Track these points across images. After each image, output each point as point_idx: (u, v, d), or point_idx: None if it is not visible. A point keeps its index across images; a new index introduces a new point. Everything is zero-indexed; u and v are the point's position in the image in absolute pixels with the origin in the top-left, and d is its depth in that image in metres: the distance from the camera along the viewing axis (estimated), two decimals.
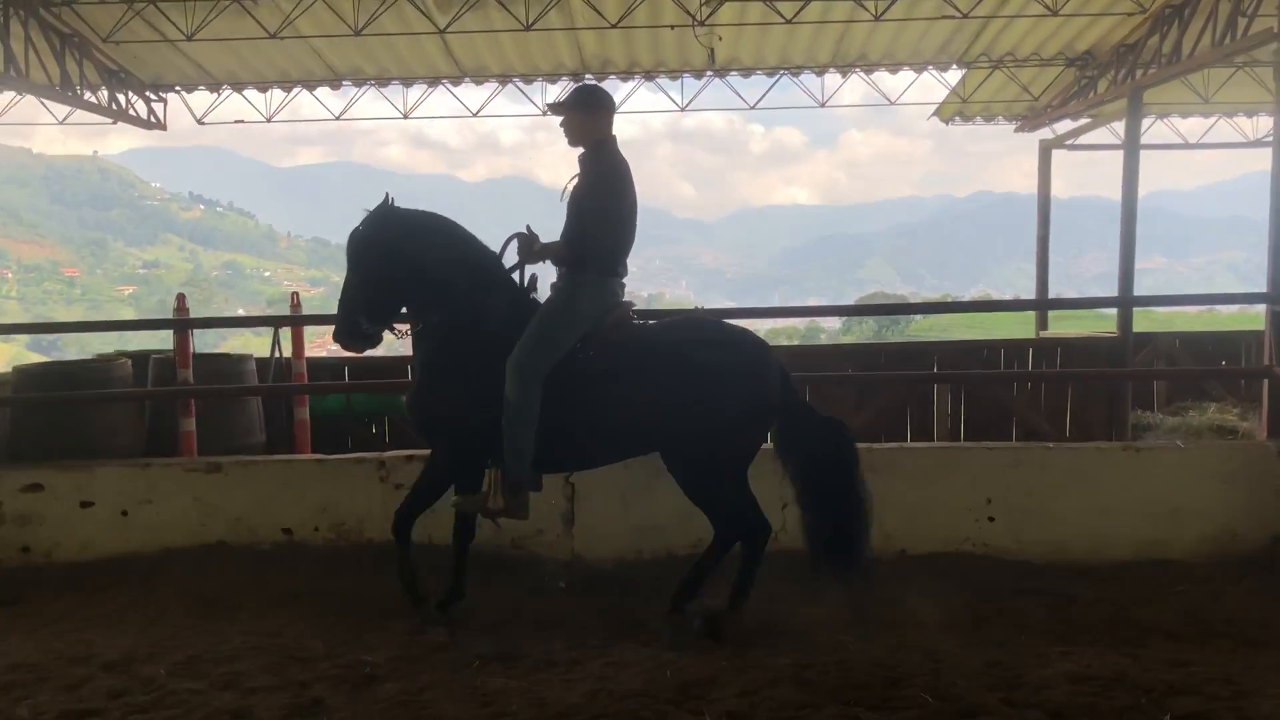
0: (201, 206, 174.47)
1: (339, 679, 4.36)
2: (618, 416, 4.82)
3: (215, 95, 9.02)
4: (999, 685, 4.15)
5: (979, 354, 8.81)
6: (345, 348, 5.07)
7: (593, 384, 4.79)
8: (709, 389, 4.73)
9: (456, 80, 9.31)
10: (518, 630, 5.03)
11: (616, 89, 9.38)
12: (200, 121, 9.23)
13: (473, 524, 5.23)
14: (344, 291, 4.95)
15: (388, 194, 4.99)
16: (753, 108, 9.94)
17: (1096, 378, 8.50)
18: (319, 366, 8.34)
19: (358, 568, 6.02)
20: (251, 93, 9.03)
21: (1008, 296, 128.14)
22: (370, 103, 10.31)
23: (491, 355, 4.77)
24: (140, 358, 7.38)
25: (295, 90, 8.95)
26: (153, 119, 8.84)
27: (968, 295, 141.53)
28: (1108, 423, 8.22)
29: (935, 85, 9.99)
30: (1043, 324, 10.88)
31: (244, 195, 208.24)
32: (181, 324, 6.91)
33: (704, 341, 4.90)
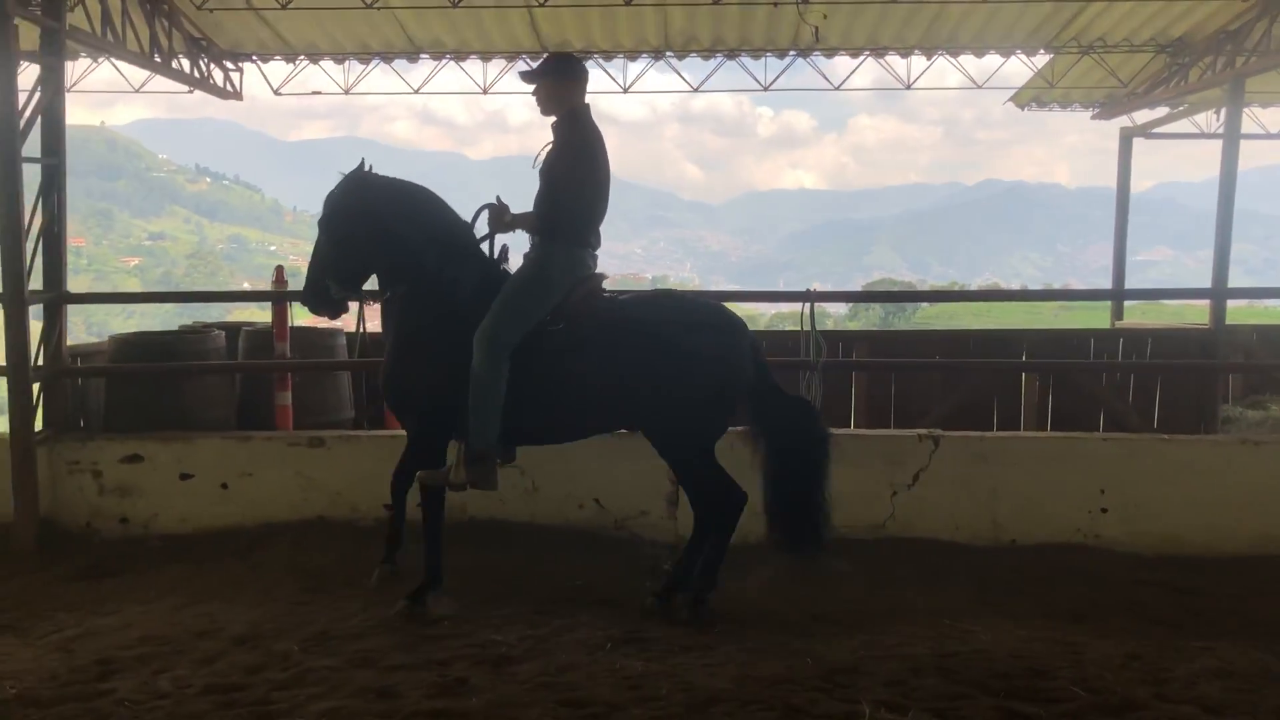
0: (208, 179, 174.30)
1: (475, 658, 4.30)
2: (587, 391, 4.75)
3: (292, 65, 8.89)
4: (1146, 679, 4.10)
5: (1068, 343, 8.73)
6: (313, 311, 4.99)
7: (562, 357, 4.72)
8: (679, 365, 4.67)
9: (462, 56, 9.13)
10: (636, 611, 4.96)
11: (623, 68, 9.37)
12: (277, 93, 9.09)
13: (442, 496, 5.02)
14: (314, 254, 4.88)
15: (363, 159, 4.90)
16: (765, 89, 9.61)
17: (1197, 370, 8.40)
18: None
19: (463, 545, 5.95)
20: (327, 63, 8.96)
21: (1015, 286, 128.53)
22: (380, 77, 10.22)
23: (460, 326, 4.70)
24: (230, 329, 7.29)
25: (373, 63, 8.81)
26: (229, 88, 8.70)
27: (974, 284, 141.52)
28: (1195, 415, 8.13)
29: (949, 70, 9.76)
30: (1118, 314, 10.79)
31: (250, 168, 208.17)
32: (280, 296, 6.82)
33: (675, 317, 4.81)
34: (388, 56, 8.83)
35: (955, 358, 8.43)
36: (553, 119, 4.84)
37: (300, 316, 6.48)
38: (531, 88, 4.86)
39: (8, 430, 6.08)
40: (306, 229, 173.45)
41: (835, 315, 59.82)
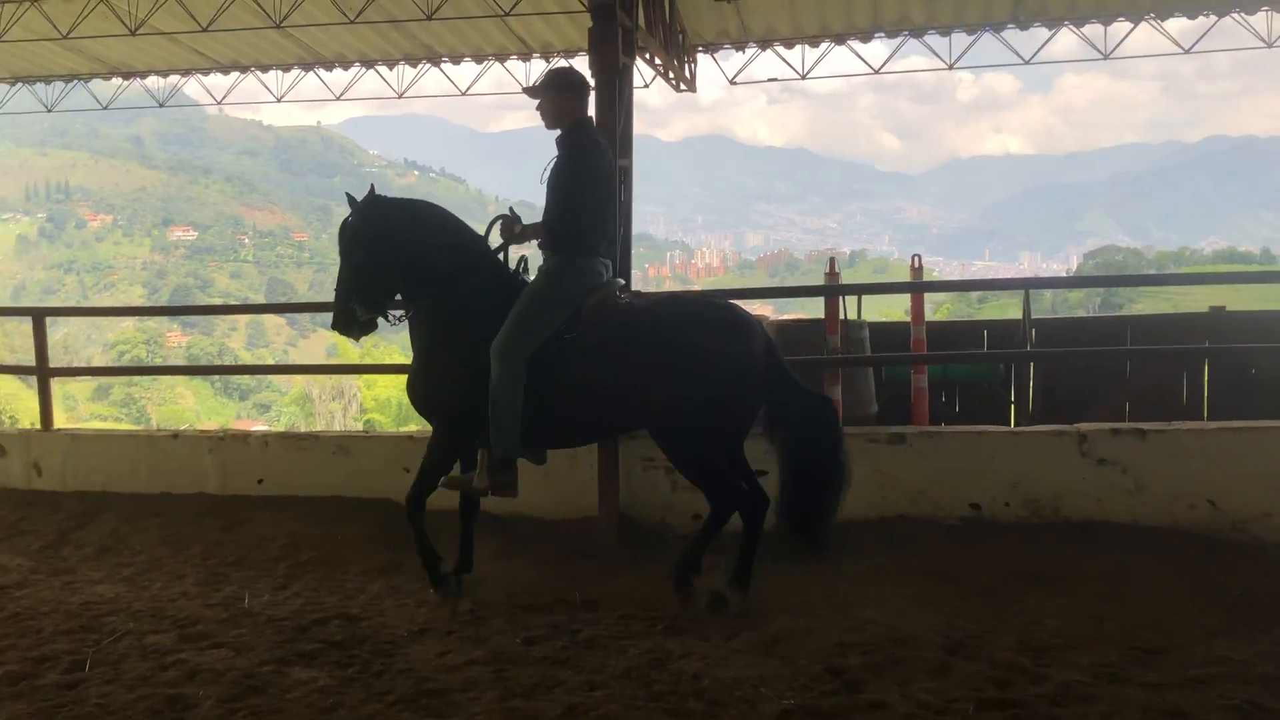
0: (415, 172, 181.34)
1: None
2: (604, 395, 4.86)
3: (743, 54, 8.79)
4: None
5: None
6: (343, 334, 5.12)
7: (578, 363, 4.84)
8: (689, 366, 4.74)
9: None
10: None
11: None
12: (733, 82, 9.04)
13: (476, 501, 5.31)
14: (338, 280, 5.06)
15: (372, 185, 5.13)
16: (950, 67, 8.91)
17: None
18: (893, 332, 8.00)
19: (1059, 547, 5.66)
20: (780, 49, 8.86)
21: (1246, 249, 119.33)
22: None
23: (477, 337, 4.85)
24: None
25: (826, 45, 8.60)
26: (687, 75, 8.64)
27: (1201, 248, 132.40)
28: None
29: (1154, 35, 8.61)
30: None
31: (454, 160, 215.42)
32: (832, 290, 6.68)
33: (687, 320, 4.89)
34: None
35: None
36: (557, 132, 5.00)
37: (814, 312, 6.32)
38: (535, 102, 5.04)
39: None
40: None
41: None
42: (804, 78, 8.94)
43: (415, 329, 5.17)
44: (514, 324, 4.84)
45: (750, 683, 4.09)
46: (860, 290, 7.91)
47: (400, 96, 9.52)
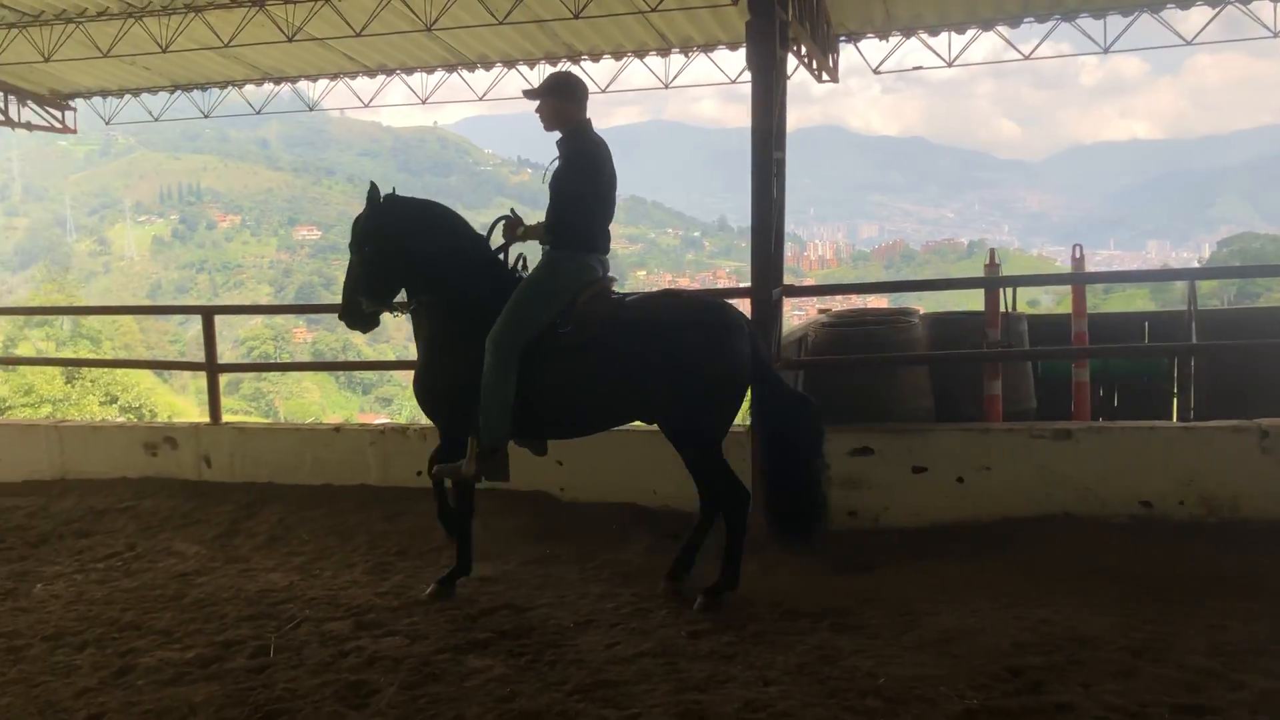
0: (529, 170, 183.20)
1: None
2: (595, 387, 5.01)
3: (885, 43, 8.66)
4: None
5: None
6: (350, 326, 5.34)
7: (571, 356, 4.98)
8: (676, 361, 4.88)
9: None
10: None
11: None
12: (876, 71, 8.90)
13: (471, 488, 5.40)
14: (346, 274, 5.29)
15: (373, 184, 5.27)
16: (1106, 50, 8.43)
17: None
18: (1050, 324, 7.77)
19: (1239, 547, 5.43)
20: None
21: None
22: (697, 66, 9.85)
23: (474, 331, 5.01)
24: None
25: (973, 32, 8.42)
26: (830, 65, 8.56)
27: None
28: None
29: None
30: None
31: None
32: (993, 282, 6.54)
33: (673, 316, 5.02)
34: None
35: None
36: (557, 135, 5.14)
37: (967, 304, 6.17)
38: (534, 106, 5.16)
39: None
40: (621, 213, 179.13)
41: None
42: (950, 65, 8.76)
43: (418, 325, 5.36)
44: (508, 316, 5.00)
45: (928, 681, 4.03)
46: (1019, 282, 7.69)
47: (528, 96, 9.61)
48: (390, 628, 4.89)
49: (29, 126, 10.83)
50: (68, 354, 45.02)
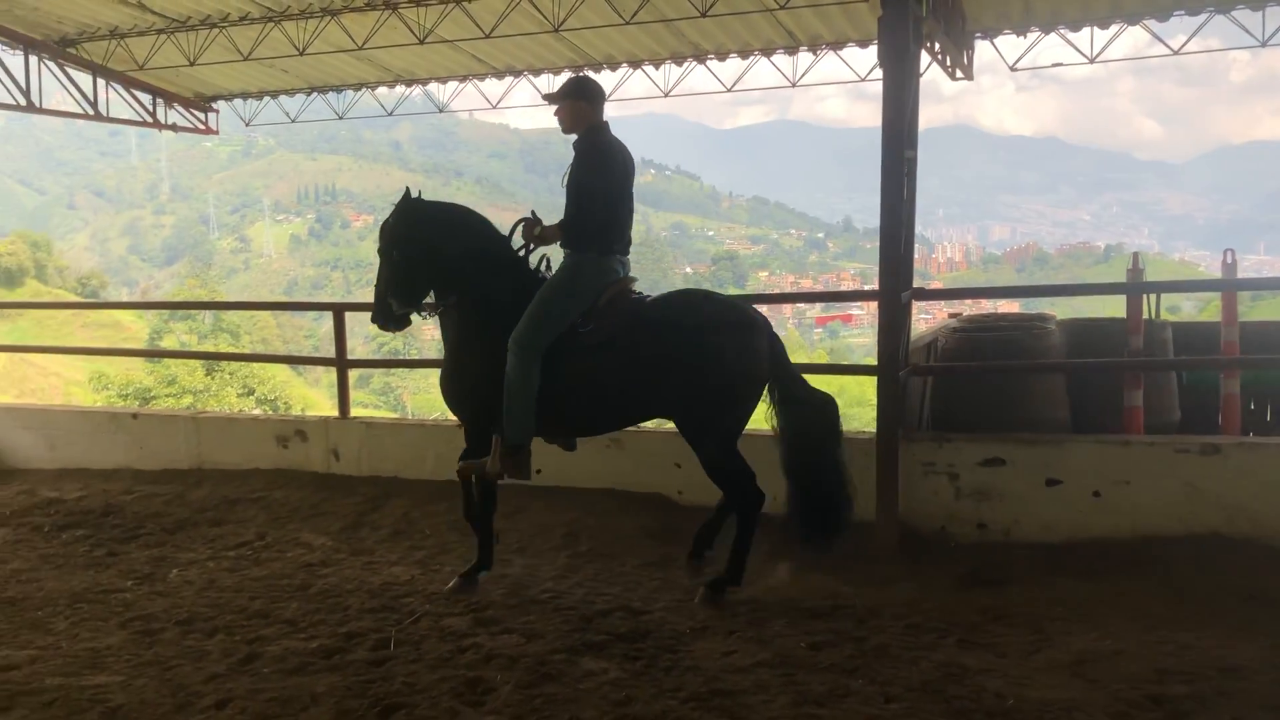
0: (652, 171, 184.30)
1: None
2: (616, 386, 5.09)
3: (1023, 39, 8.35)
4: None
5: None
6: (381, 328, 5.47)
7: (592, 355, 5.07)
8: (694, 360, 4.97)
9: None
10: None
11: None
12: (1013, 68, 8.59)
13: (494, 485, 5.49)
14: (377, 277, 5.40)
15: (408, 188, 5.41)
16: (1263, 44, 7.89)
17: None
18: (1197, 333, 7.37)
19: None
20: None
21: None
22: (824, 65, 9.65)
23: (498, 331, 5.11)
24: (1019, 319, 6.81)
25: (1117, 26, 8.05)
26: (964, 62, 8.31)
27: None
28: None
29: None
30: None
31: (690, 158, 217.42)
32: (1137, 287, 6.24)
33: (694, 313, 5.11)
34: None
35: None
36: (574, 137, 5.23)
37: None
38: (553, 109, 5.27)
39: (872, 429, 5.99)
40: (743, 213, 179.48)
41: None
42: (1091, 61, 8.40)
43: (445, 325, 5.47)
44: (531, 316, 5.09)
45: (1061, 705, 3.87)
46: (1165, 288, 7.32)
47: (666, 95, 9.62)
48: (507, 625, 4.90)
49: (174, 128, 11.30)
50: (209, 347, 46.99)
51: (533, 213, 5.39)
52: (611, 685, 4.19)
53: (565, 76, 9.91)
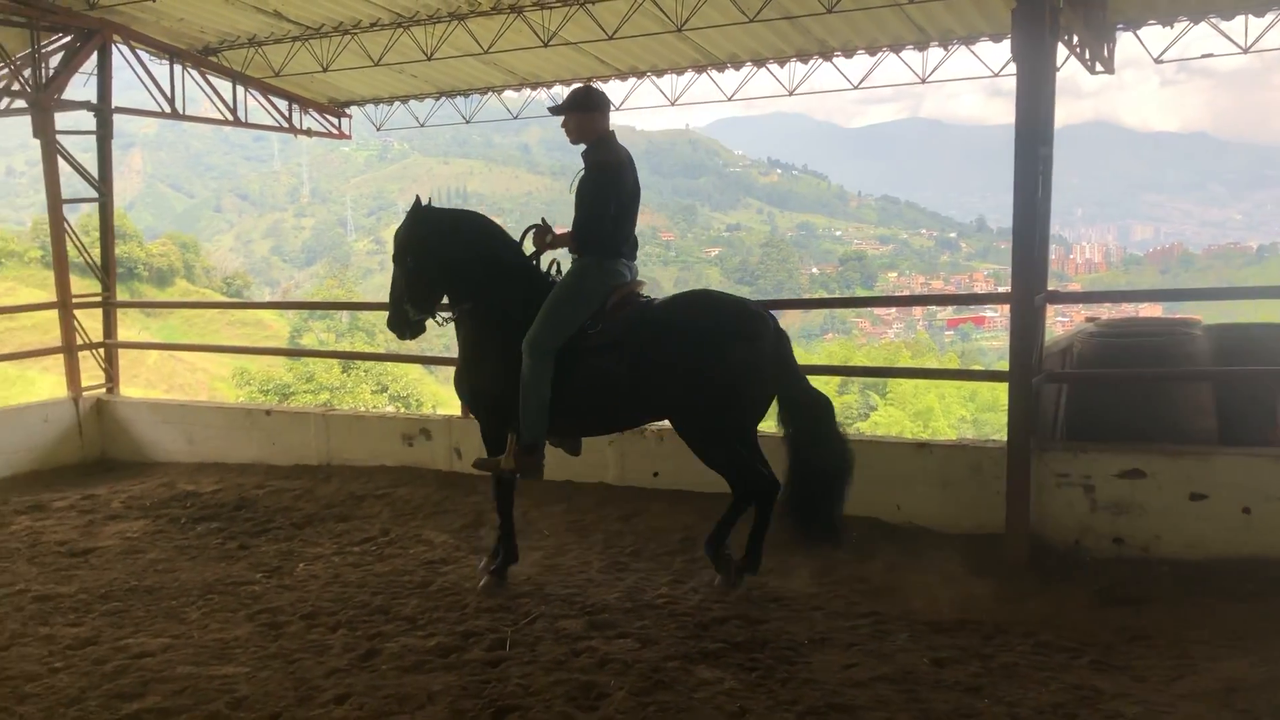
0: (778, 171, 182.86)
1: None
2: (624, 387, 5.20)
3: (1170, 29, 7.92)
4: None
5: None
6: (398, 335, 5.63)
7: (600, 357, 5.21)
8: (703, 358, 5.07)
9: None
10: None
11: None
12: (1158, 60, 8.18)
13: (512, 483, 5.64)
14: (391, 285, 5.56)
15: (417, 196, 5.50)
16: None
17: None
18: None
19: None
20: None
21: None
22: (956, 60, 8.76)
23: (510, 335, 5.28)
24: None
25: (1274, 14, 7.58)
26: (1104, 55, 7.94)
27: None
28: None
29: None
30: None
31: (817, 158, 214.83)
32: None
33: (700, 313, 5.24)
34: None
35: None
36: (582, 147, 5.36)
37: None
38: (560, 120, 5.39)
39: (1003, 437, 5.76)
40: (872, 214, 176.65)
41: None
42: (1245, 51, 7.93)
43: (459, 329, 5.63)
44: (543, 320, 5.24)
45: None
46: None
47: (791, 94, 9.47)
48: (622, 630, 4.87)
49: (309, 133, 11.63)
50: (345, 345, 48.54)
51: (543, 220, 5.55)
52: (726, 695, 4.12)
53: (690, 76, 9.88)
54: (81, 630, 5.09)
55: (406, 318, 5.56)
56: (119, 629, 5.11)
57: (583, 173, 5.36)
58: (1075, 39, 7.16)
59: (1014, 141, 5.54)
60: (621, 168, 5.35)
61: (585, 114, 5.38)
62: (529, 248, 5.57)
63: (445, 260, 5.44)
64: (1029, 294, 5.57)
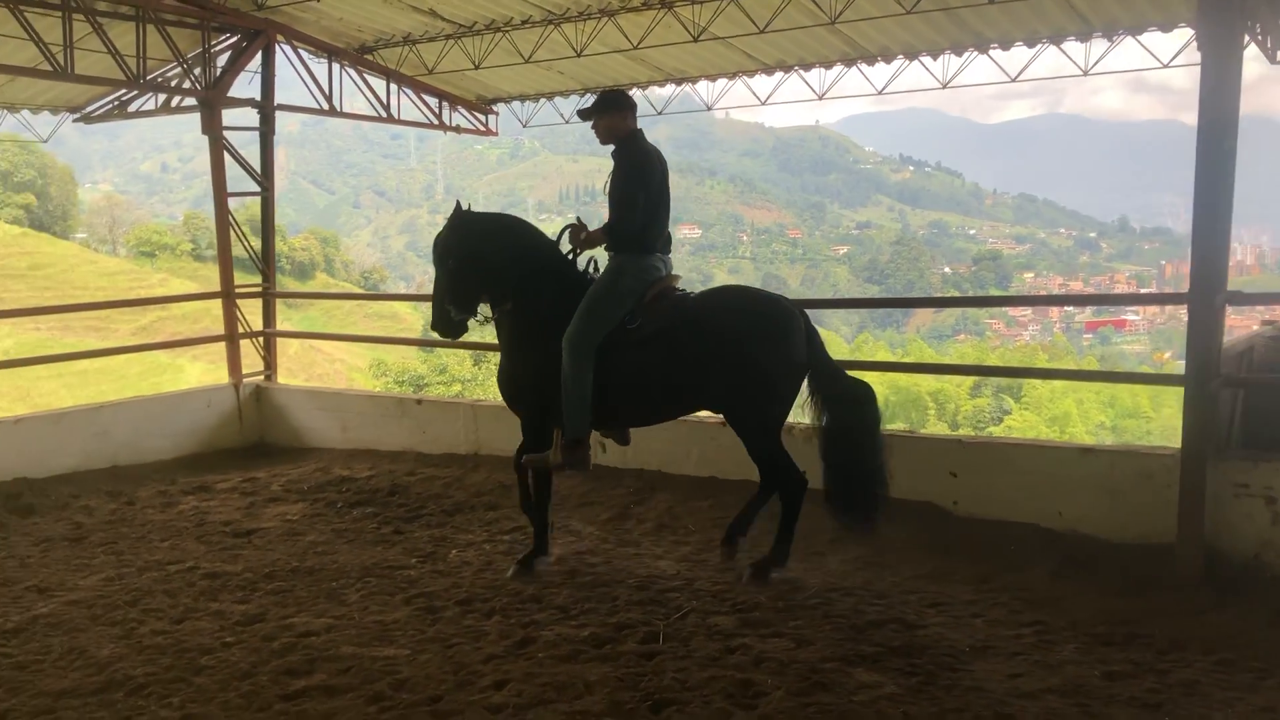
0: (910, 168, 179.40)
1: None
2: (661, 379, 5.38)
3: None
4: None
5: None
6: (441, 335, 5.84)
7: (639, 351, 5.37)
8: (733, 352, 5.24)
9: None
10: None
11: None
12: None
13: (549, 476, 5.79)
14: (434, 286, 5.75)
15: (458, 201, 5.79)
16: None
17: None
18: None
19: None
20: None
21: None
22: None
23: (550, 331, 5.45)
24: None
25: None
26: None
27: None
28: None
29: None
30: None
31: (951, 155, 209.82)
32: None
33: (734, 307, 5.44)
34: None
35: None
36: (611, 147, 5.56)
37: None
38: (589, 124, 5.60)
39: (1149, 443, 5.50)
40: (1008, 212, 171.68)
41: None
42: None
43: (500, 328, 5.78)
44: (581, 317, 5.39)
45: None
46: None
47: (945, 87, 9.24)
48: (776, 629, 4.82)
49: (457, 129, 11.88)
50: (476, 338, 49.52)
51: (578, 218, 5.74)
52: (887, 700, 4.03)
53: (838, 70, 9.72)
54: (249, 608, 5.28)
55: (449, 317, 5.76)
56: (284, 608, 5.29)
57: (613, 172, 5.55)
58: (1258, 27, 6.79)
59: (1195, 134, 5.29)
60: (652, 166, 5.52)
61: (612, 116, 5.55)
62: (565, 247, 5.73)
63: (485, 262, 5.61)
64: (1209, 294, 5.30)
